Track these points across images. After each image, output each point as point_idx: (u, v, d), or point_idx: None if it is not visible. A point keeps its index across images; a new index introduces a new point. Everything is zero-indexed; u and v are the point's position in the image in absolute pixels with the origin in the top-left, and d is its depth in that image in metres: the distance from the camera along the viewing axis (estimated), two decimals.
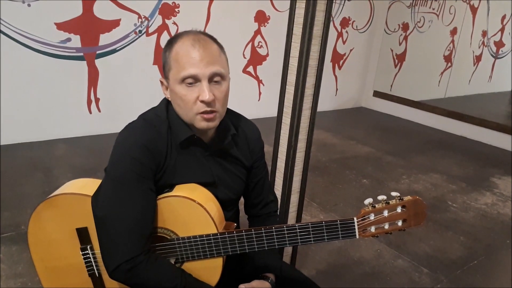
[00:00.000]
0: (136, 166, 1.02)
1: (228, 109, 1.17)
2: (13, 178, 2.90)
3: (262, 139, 1.31)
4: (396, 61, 5.96)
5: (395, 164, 3.91)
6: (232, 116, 1.22)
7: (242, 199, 1.35)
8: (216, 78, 1.05)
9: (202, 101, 1.03)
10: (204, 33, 1.08)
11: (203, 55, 1.03)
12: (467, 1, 5.44)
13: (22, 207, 2.52)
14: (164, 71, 1.09)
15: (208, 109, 1.05)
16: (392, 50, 5.96)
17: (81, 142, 3.75)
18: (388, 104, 6.02)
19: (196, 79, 1.03)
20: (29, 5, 3.29)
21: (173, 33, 4.09)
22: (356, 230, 1.04)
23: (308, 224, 1.05)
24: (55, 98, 3.65)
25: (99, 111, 3.93)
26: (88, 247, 1.12)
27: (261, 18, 4.74)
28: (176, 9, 4.06)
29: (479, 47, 5.70)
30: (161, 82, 1.12)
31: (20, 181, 2.88)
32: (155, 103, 1.18)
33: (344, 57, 5.84)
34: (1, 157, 3.24)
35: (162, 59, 1.09)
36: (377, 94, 6.19)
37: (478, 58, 5.76)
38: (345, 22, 5.58)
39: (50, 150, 3.50)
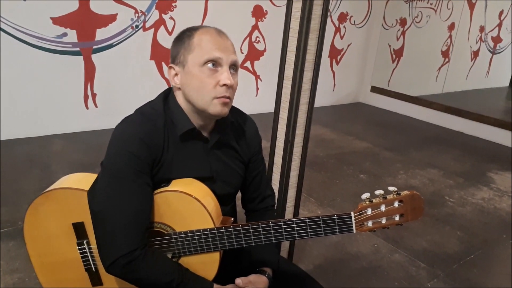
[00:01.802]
0: (132, 160, 1.01)
1: None
2: (10, 174, 2.89)
3: (259, 133, 1.31)
4: (394, 56, 5.95)
5: (392, 160, 3.91)
6: (230, 110, 1.22)
7: (239, 194, 1.35)
8: (234, 68, 1.09)
9: (224, 85, 1.05)
10: None
11: (228, 43, 1.07)
12: None
13: (19, 203, 2.51)
14: (177, 57, 1.09)
15: (227, 94, 1.06)
16: (389, 45, 5.95)
17: (78, 138, 3.74)
18: (385, 100, 6.03)
19: (218, 64, 1.05)
20: (24, 0, 3.27)
21: (170, 28, 4.08)
22: (353, 225, 1.04)
23: (305, 219, 1.05)
24: (51, 93, 3.63)
25: (96, 106, 3.92)
26: (85, 242, 1.12)
27: (258, 13, 4.72)
28: (173, 4, 4.04)
29: (476, 43, 5.70)
30: (171, 68, 1.11)
31: (17, 176, 2.87)
32: (152, 98, 1.17)
33: (342, 52, 5.83)
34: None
35: (175, 47, 1.10)
36: (374, 89, 6.19)
37: (475, 54, 5.75)
38: (342, 17, 5.57)
39: (47, 146, 3.49)
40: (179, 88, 1.11)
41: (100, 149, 3.24)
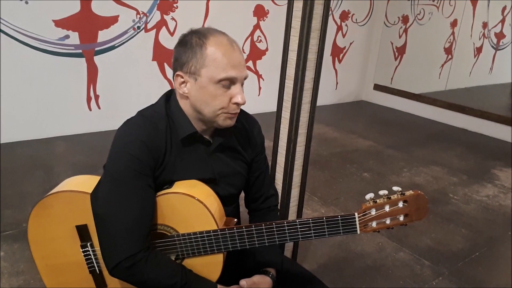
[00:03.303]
0: (134, 163, 1.01)
1: None
2: (13, 176, 2.90)
3: (262, 133, 1.30)
4: (396, 54, 5.93)
5: (396, 157, 3.90)
6: None
7: (242, 194, 1.34)
8: (243, 82, 1.09)
9: (235, 103, 1.06)
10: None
11: (240, 58, 1.06)
12: None
13: (23, 205, 2.52)
14: (186, 66, 1.05)
15: (238, 110, 1.09)
16: (392, 43, 5.93)
17: (81, 140, 3.75)
18: (388, 97, 6.01)
19: (232, 82, 1.05)
20: (26, 2, 3.27)
21: (172, 29, 4.08)
22: (357, 226, 1.04)
23: (309, 220, 1.05)
24: (54, 95, 3.64)
25: (99, 108, 3.92)
26: (88, 244, 1.12)
27: (260, 12, 4.71)
28: (175, 5, 4.04)
29: (479, 39, 5.67)
30: (179, 76, 1.08)
31: (20, 179, 2.88)
32: (155, 99, 1.17)
33: (344, 51, 5.82)
34: (1, 155, 3.24)
35: (184, 53, 1.05)
36: (377, 87, 6.17)
37: (478, 50, 5.72)
38: (344, 15, 5.56)
39: (50, 148, 3.50)
40: (187, 97, 1.09)
41: (103, 151, 3.24)
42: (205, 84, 1.04)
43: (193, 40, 1.05)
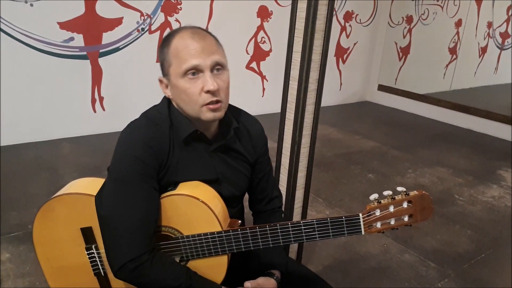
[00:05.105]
0: (138, 165, 1.01)
1: (229, 104, 1.16)
2: (19, 178, 2.91)
3: (265, 134, 1.30)
4: (401, 54, 5.91)
5: (400, 158, 3.89)
6: (233, 111, 1.21)
7: (246, 195, 1.34)
8: (217, 67, 1.05)
9: (207, 91, 1.03)
10: (199, 27, 1.08)
11: (203, 45, 1.02)
12: None
13: (28, 207, 2.53)
14: (163, 69, 1.08)
15: (214, 99, 1.04)
16: (396, 43, 5.91)
17: (86, 141, 3.76)
18: (393, 98, 5.99)
19: (198, 70, 1.02)
20: (31, 4, 3.29)
21: None
22: (362, 226, 1.03)
23: (313, 221, 1.04)
24: (59, 97, 3.66)
25: (104, 109, 3.94)
26: (93, 246, 1.12)
27: (263, 13, 4.71)
28: (179, 6, 4.05)
29: (484, 39, 5.63)
30: (160, 81, 1.11)
31: (26, 181, 2.89)
32: (159, 100, 1.17)
33: (348, 51, 5.81)
34: (6, 157, 3.25)
35: (160, 57, 1.08)
36: (381, 88, 6.15)
37: (483, 50, 5.69)
38: (348, 16, 5.55)
39: (55, 150, 3.51)
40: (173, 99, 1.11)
41: (107, 152, 3.25)
42: (175, 82, 1.05)
43: (165, 43, 1.06)
